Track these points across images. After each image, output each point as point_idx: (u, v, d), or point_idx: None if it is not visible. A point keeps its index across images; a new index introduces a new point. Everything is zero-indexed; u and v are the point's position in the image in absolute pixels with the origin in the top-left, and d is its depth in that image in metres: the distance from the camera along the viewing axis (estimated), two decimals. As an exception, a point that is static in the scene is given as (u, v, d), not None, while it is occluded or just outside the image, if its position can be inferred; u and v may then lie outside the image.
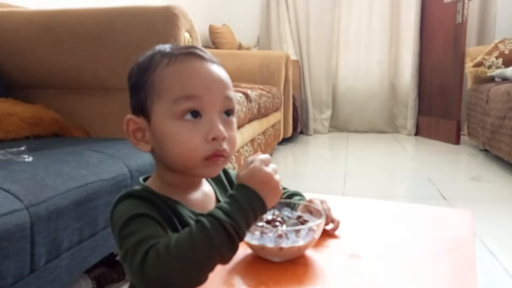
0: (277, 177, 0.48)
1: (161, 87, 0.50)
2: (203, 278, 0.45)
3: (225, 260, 0.45)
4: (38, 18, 1.28)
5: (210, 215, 0.44)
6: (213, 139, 0.49)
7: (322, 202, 0.63)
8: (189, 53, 0.52)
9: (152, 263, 0.42)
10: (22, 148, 0.83)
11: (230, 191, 0.48)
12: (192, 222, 0.46)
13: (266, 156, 0.50)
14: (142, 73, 0.52)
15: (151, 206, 0.48)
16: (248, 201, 0.46)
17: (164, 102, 0.50)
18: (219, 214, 0.44)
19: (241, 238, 0.45)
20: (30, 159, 0.77)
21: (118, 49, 1.20)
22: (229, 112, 0.53)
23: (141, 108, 0.52)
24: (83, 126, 1.26)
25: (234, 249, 0.45)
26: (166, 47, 0.53)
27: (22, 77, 1.30)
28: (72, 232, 0.71)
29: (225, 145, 0.51)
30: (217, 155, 0.50)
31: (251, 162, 0.49)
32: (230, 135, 0.52)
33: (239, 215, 0.45)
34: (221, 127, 0.50)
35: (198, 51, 0.52)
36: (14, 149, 0.82)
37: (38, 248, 0.63)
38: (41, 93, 1.31)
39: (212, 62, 0.53)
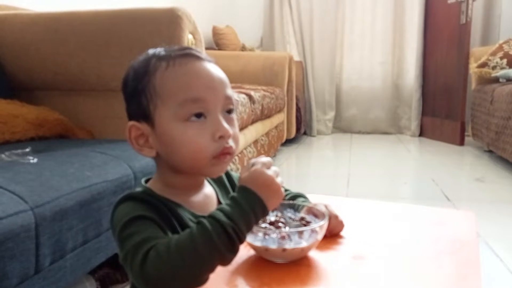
0: (278, 179, 0.49)
1: (163, 91, 0.50)
2: (203, 279, 0.45)
3: (225, 261, 0.45)
4: (43, 20, 1.29)
5: (211, 217, 0.45)
6: (220, 137, 0.50)
7: (326, 206, 0.62)
8: (186, 54, 0.52)
9: (153, 263, 0.42)
10: (27, 150, 0.84)
11: (231, 193, 0.48)
12: (192, 224, 0.46)
13: (268, 159, 0.50)
14: (141, 78, 0.52)
15: (151, 208, 0.48)
16: (249, 203, 0.46)
17: (169, 106, 0.50)
18: (220, 216, 0.44)
19: (241, 241, 0.45)
20: (35, 160, 0.78)
21: (122, 51, 1.21)
22: (230, 110, 0.53)
23: (143, 113, 0.52)
24: (88, 128, 1.27)
25: (235, 251, 0.45)
26: (161, 51, 0.53)
27: (27, 79, 1.31)
28: (77, 233, 0.71)
29: (230, 142, 0.52)
30: (225, 153, 0.51)
31: (253, 164, 0.49)
32: (234, 132, 0.53)
33: (240, 217, 0.45)
34: (226, 125, 0.51)
35: (194, 52, 0.53)
36: (19, 151, 0.82)
37: (43, 249, 0.63)
38: (45, 95, 1.32)
39: (209, 61, 0.53)
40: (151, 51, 0.54)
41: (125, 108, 0.55)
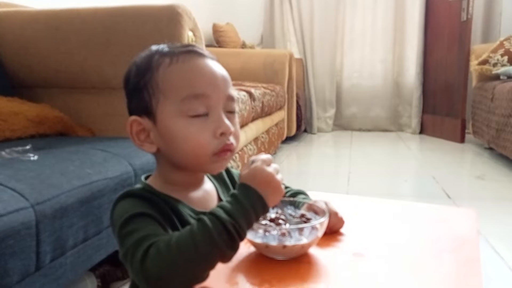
0: (279, 176, 0.49)
1: (166, 86, 0.50)
2: (203, 276, 0.45)
3: (225, 258, 0.45)
4: (43, 18, 1.29)
5: (211, 214, 0.45)
6: (222, 134, 0.51)
7: (326, 203, 0.62)
8: (190, 51, 0.52)
9: (153, 260, 0.42)
10: (28, 147, 0.84)
11: (232, 190, 0.48)
12: (192, 220, 0.46)
13: (268, 156, 0.51)
14: (143, 74, 0.52)
15: (151, 205, 0.48)
16: (249, 200, 0.46)
17: (172, 102, 0.50)
18: (221, 213, 0.44)
19: (241, 238, 0.45)
20: (36, 157, 0.78)
21: (122, 48, 1.20)
22: (231, 110, 0.54)
23: (145, 109, 0.52)
24: (88, 125, 1.27)
25: (235, 248, 0.45)
26: (164, 47, 0.53)
27: (28, 76, 1.31)
28: (77, 230, 0.71)
29: (231, 139, 0.52)
30: (225, 150, 0.51)
31: (253, 162, 0.49)
32: (235, 129, 0.53)
33: (240, 214, 0.45)
34: (228, 122, 0.51)
35: (197, 49, 0.53)
36: (20, 148, 0.82)
37: (43, 246, 0.63)
38: (46, 92, 1.32)
39: (212, 59, 0.54)
40: (154, 48, 0.54)
41: (126, 104, 0.55)
